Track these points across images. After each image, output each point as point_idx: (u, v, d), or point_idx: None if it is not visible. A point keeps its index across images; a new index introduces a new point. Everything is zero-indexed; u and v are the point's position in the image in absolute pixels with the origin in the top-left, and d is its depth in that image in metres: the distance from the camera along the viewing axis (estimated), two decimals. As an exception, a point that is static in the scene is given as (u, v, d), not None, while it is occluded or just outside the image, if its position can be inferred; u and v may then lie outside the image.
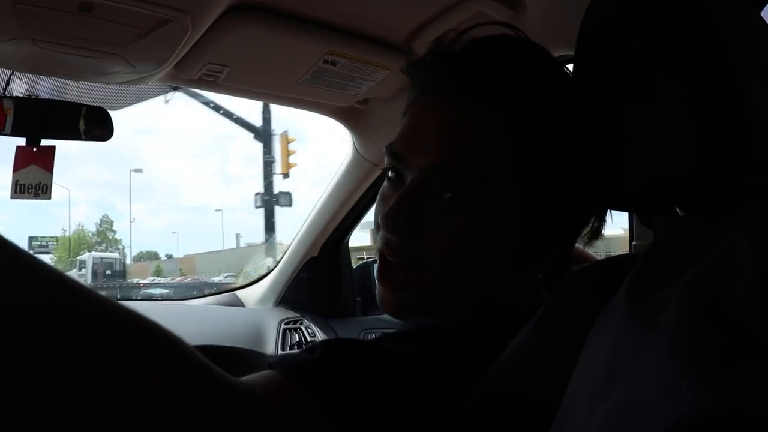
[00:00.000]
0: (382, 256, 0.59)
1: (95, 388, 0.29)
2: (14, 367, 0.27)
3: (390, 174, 0.60)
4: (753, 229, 0.30)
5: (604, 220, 0.62)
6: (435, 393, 0.45)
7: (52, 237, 31.02)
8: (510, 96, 0.54)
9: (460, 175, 0.54)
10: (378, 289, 0.61)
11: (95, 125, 1.14)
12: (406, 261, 0.57)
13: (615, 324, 0.34)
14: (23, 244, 0.31)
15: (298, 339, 1.62)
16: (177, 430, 0.31)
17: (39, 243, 28.51)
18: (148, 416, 0.30)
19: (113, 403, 0.30)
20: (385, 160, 0.60)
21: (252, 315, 1.76)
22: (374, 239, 0.61)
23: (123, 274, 23.03)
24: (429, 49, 0.61)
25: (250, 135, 10.44)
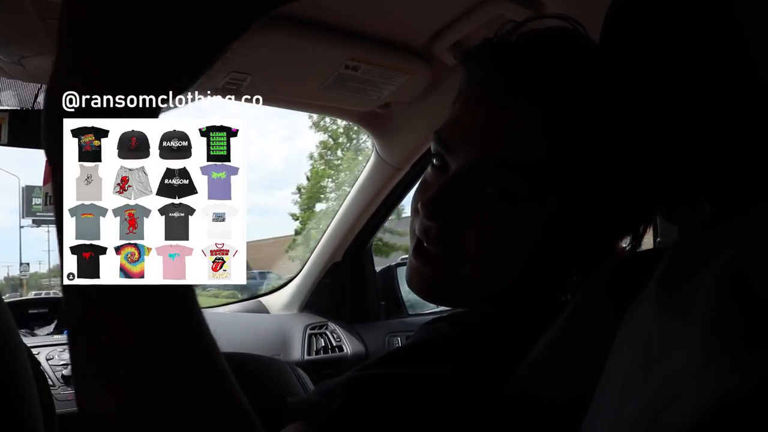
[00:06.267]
0: (418, 241, 0.59)
1: None
2: None
3: (434, 161, 0.60)
4: None
5: (648, 226, 0.60)
6: (459, 412, 0.45)
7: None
8: (552, 100, 0.54)
9: (503, 169, 0.54)
10: (409, 264, 0.61)
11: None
12: (441, 250, 0.57)
13: (648, 314, 0.34)
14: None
15: (323, 344, 1.63)
16: None
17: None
18: None
19: None
20: (432, 146, 0.60)
21: (277, 321, 1.77)
22: (412, 223, 0.61)
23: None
24: (483, 39, 0.59)
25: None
